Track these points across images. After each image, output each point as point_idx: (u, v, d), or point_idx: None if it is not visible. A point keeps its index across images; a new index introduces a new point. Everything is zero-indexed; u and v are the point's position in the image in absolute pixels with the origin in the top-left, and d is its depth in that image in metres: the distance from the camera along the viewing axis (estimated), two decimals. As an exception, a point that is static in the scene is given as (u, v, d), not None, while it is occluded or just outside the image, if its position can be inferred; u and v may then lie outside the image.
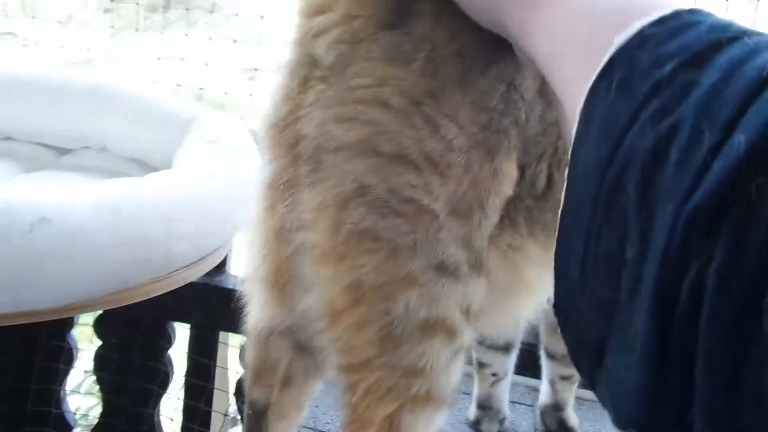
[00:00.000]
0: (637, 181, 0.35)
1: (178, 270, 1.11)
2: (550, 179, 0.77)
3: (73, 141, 1.45)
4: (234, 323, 1.49)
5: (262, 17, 2.04)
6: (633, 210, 0.35)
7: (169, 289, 1.12)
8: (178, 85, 2.61)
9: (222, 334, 1.60)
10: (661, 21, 0.41)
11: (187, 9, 3.14)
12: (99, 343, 1.61)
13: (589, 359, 0.38)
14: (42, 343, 1.54)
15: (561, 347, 1.21)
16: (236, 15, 2.77)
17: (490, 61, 0.70)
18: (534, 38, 0.53)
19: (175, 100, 1.41)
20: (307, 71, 0.71)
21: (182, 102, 1.41)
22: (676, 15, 0.41)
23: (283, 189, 0.72)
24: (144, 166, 1.41)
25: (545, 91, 0.74)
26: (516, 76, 0.71)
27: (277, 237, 0.75)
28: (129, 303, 1.07)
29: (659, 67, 0.38)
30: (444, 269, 0.67)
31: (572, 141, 0.41)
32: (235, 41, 2.45)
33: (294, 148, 0.70)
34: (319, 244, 0.68)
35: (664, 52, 0.39)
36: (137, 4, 3.49)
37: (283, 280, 0.77)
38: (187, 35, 2.64)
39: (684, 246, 0.31)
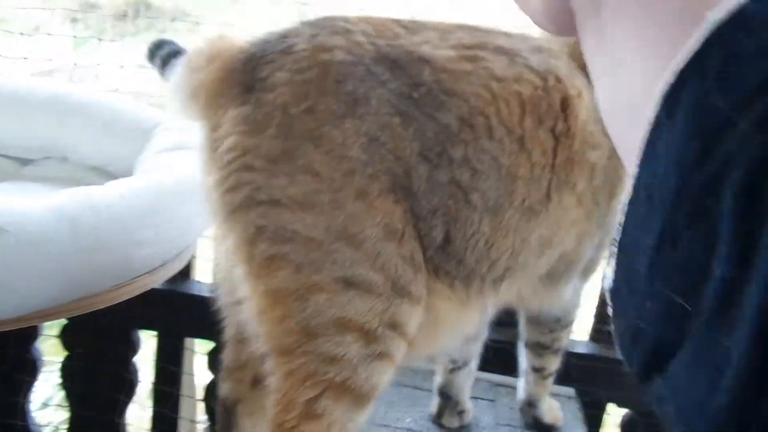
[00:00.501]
0: (739, 191, 0.30)
1: (139, 276, 1.11)
2: (447, 234, 0.88)
3: (34, 151, 1.45)
4: (200, 329, 1.52)
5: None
6: (729, 222, 0.31)
7: (131, 296, 1.12)
8: (140, 93, 2.61)
9: (188, 341, 1.60)
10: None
11: (149, 18, 3.15)
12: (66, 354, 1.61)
13: (645, 357, 0.36)
14: (9, 355, 1.53)
15: (532, 337, 1.25)
16: (198, 24, 2.78)
17: (344, 116, 0.82)
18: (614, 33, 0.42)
19: (137, 108, 1.41)
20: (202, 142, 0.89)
21: (144, 110, 1.41)
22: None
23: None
24: (106, 175, 1.41)
25: (429, 156, 0.85)
26: (380, 133, 0.83)
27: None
28: (92, 310, 1.07)
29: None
30: (351, 283, 0.82)
31: (649, 125, 0.35)
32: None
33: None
34: (243, 269, 0.85)
35: None
36: (104, 14, 3.48)
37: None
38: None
39: None
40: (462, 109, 0.86)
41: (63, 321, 1.56)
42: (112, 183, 1.10)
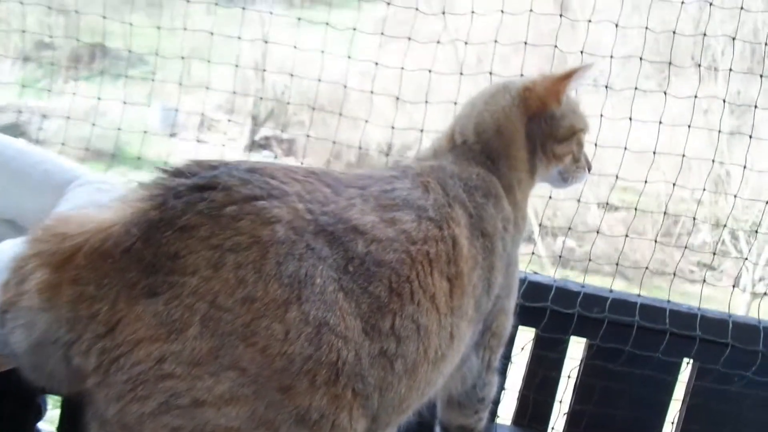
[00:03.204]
0: None
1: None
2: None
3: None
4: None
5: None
6: None
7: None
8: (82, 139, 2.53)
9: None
10: None
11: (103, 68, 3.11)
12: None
13: None
14: None
15: (455, 420, 1.24)
16: (154, 74, 2.73)
17: (288, 303, 0.73)
18: None
19: (56, 160, 1.33)
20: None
21: (63, 162, 1.33)
22: None
23: None
24: (19, 229, 1.32)
25: (367, 330, 0.81)
26: (329, 315, 0.76)
27: None
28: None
29: None
30: None
31: None
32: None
33: None
34: None
35: None
36: (52, 63, 3.42)
37: None
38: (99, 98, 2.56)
39: None
40: (391, 279, 0.86)
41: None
42: (3, 243, 1.01)
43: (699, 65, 1.81)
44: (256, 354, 0.70)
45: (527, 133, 1.21)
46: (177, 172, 0.79)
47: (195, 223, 0.71)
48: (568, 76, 1.21)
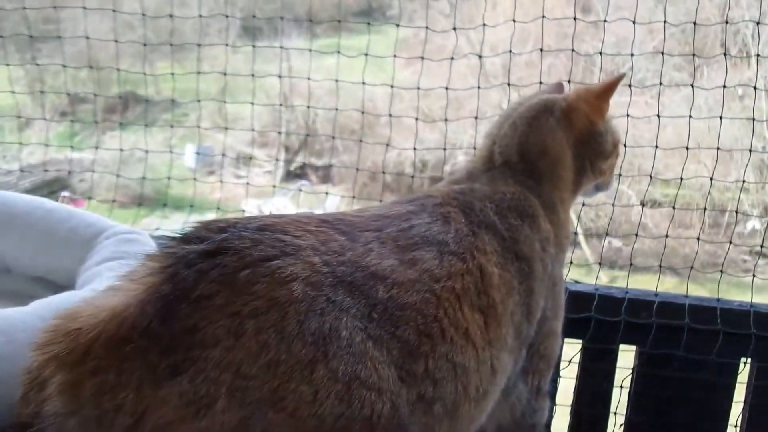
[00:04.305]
0: None
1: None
2: None
3: (-24, 263, 1.38)
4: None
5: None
6: None
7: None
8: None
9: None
10: None
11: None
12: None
13: None
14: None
15: None
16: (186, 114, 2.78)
17: (315, 362, 0.69)
18: None
19: (81, 215, 1.35)
20: None
21: (88, 217, 1.35)
22: None
23: None
24: (52, 286, 1.34)
25: (402, 376, 0.78)
26: (360, 368, 0.72)
27: None
28: None
29: None
30: None
31: None
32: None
33: None
34: None
35: None
36: (88, 117, 3.50)
37: None
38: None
39: None
40: (417, 321, 0.83)
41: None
42: (33, 303, 1.02)
43: (725, 53, 1.74)
44: (286, 418, 0.67)
45: (574, 152, 1.19)
46: (185, 239, 0.76)
47: (210, 292, 0.68)
48: (608, 90, 1.19)
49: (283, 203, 5.33)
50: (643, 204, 2.05)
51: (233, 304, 0.68)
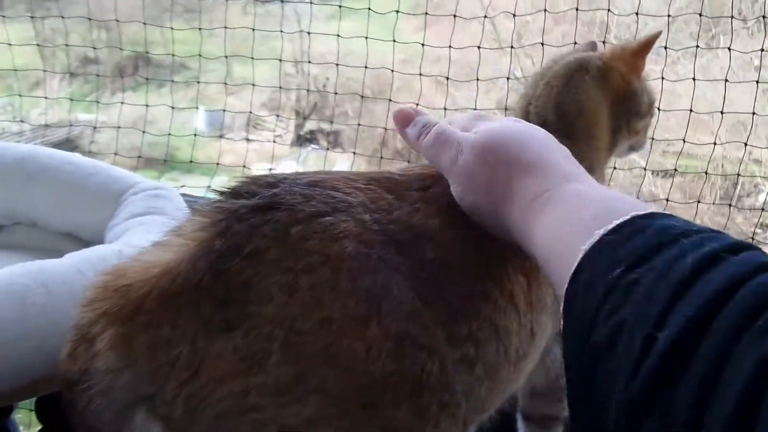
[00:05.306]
0: (599, 373, 0.46)
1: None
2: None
3: (2, 217, 1.39)
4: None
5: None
6: (600, 395, 0.46)
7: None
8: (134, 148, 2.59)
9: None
10: (617, 228, 0.50)
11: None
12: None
13: None
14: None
15: (538, 410, 1.20)
16: (197, 77, 2.77)
17: (368, 319, 0.69)
18: (533, 240, 0.67)
19: (109, 170, 1.35)
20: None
21: (117, 172, 1.36)
22: (632, 221, 0.50)
23: None
24: (79, 242, 1.35)
25: (450, 336, 0.78)
26: (411, 326, 0.72)
27: None
28: (45, 394, 0.99)
29: (611, 270, 0.47)
30: None
31: (562, 329, 0.55)
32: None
33: None
34: None
35: (616, 257, 0.48)
36: (98, 76, 3.50)
37: None
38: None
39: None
40: (462, 282, 0.82)
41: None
42: (68, 255, 1.03)
43: (731, 18, 1.73)
44: (338, 374, 0.67)
45: (612, 112, 1.17)
46: (235, 194, 0.75)
47: (263, 247, 0.67)
48: (644, 48, 1.16)
49: (293, 168, 5.32)
50: (657, 173, 2.05)
51: (286, 259, 0.67)
